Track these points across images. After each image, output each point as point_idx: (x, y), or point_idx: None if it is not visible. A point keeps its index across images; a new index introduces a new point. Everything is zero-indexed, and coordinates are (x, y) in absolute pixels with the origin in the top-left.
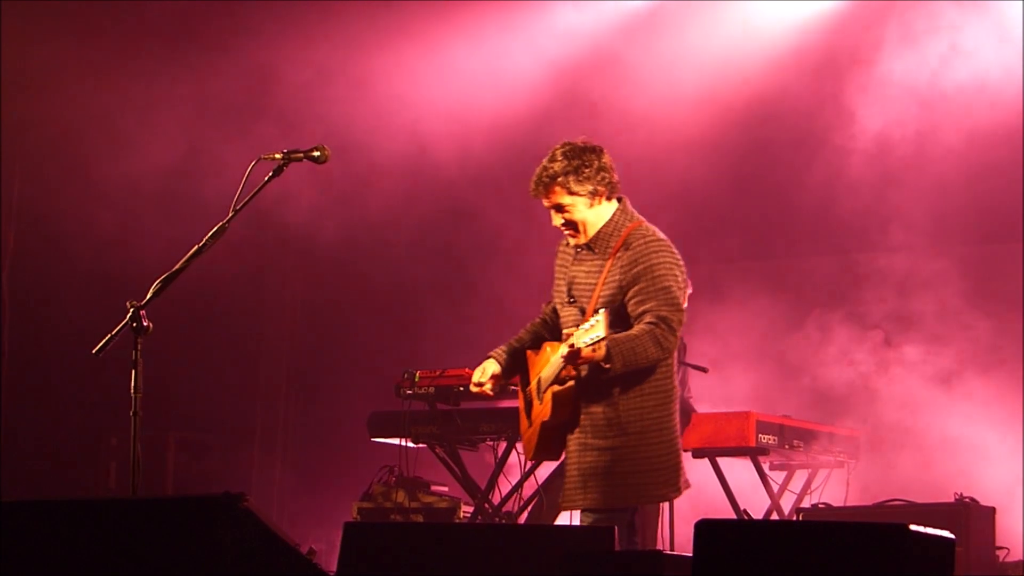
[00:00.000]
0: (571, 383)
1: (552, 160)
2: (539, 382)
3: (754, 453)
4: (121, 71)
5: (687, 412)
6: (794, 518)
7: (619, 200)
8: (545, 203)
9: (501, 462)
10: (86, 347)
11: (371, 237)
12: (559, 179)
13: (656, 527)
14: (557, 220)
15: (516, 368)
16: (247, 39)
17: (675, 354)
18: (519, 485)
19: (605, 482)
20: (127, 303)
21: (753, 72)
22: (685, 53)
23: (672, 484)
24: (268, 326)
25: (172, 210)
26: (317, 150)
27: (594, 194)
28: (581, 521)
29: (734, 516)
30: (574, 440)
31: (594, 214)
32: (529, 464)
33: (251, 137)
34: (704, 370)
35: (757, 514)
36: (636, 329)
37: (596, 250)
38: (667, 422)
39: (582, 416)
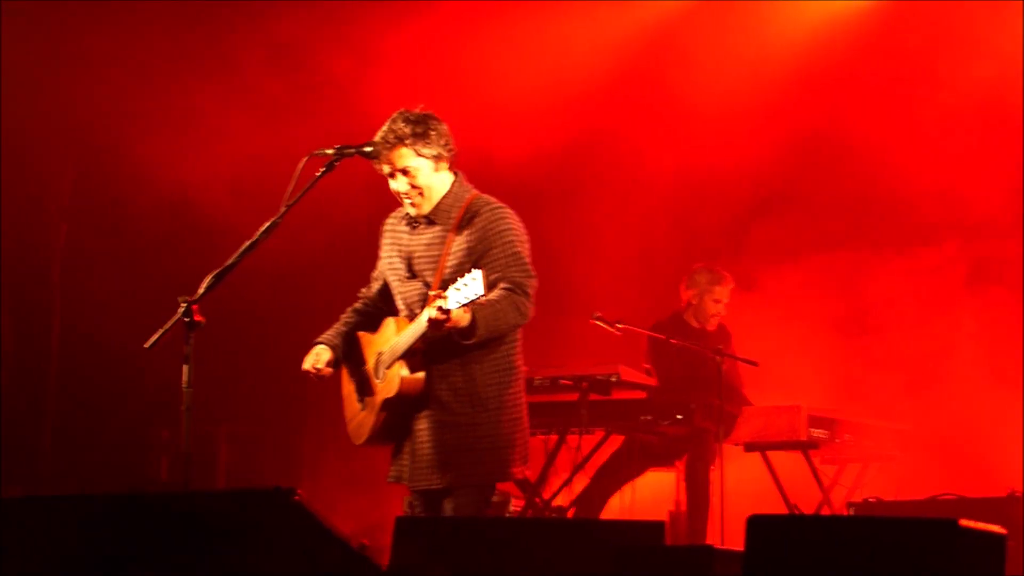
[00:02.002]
0: (418, 357)
1: (395, 123)
2: (379, 358)
3: (805, 447)
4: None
5: (741, 405)
6: (845, 513)
7: (455, 173)
8: (386, 168)
9: (552, 456)
10: (138, 341)
11: None
12: (407, 140)
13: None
14: (401, 185)
15: (350, 352)
16: (299, 31)
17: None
18: (570, 479)
19: (468, 458)
20: (179, 298)
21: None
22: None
23: (524, 459)
24: (320, 319)
25: (225, 204)
26: (369, 145)
27: (438, 158)
28: (444, 503)
29: (785, 511)
30: (426, 418)
31: (438, 180)
32: (580, 458)
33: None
34: (754, 364)
35: (808, 509)
36: (495, 294)
37: (438, 221)
38: (520, 397)
39: (437, 392)
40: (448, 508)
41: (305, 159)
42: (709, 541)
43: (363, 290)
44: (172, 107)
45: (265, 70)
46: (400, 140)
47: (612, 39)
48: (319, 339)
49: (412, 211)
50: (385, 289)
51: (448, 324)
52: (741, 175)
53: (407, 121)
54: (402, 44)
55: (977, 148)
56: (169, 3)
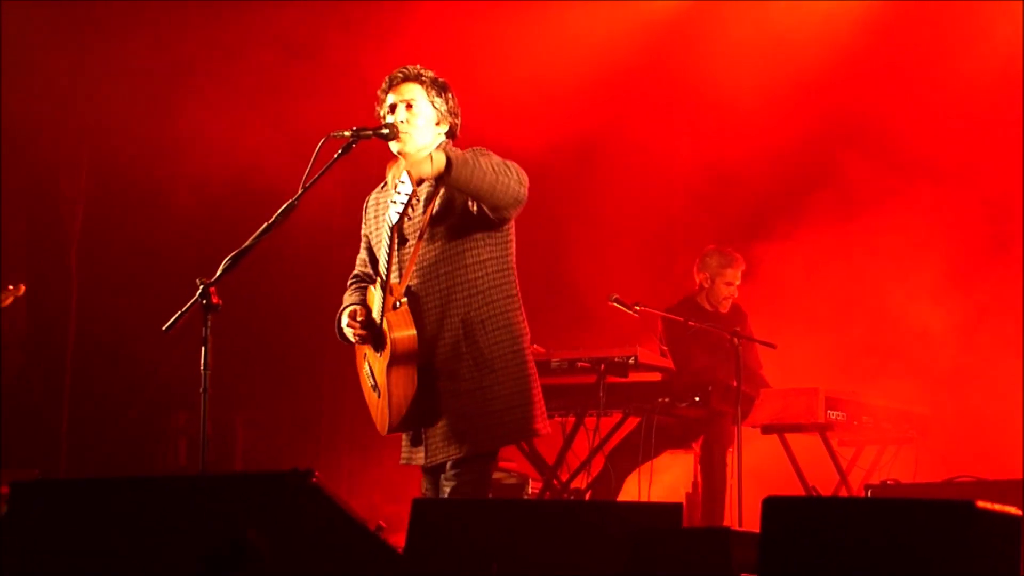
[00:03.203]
0: (404, 304)
1: (420, 67)
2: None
3: (822, 429)
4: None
5: (759, 387)
6: (863, 495)
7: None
8: (391, 98)
9: (569, 438)
10: (156, 323)
11: None
12: (425, 81)
13: None
14: (399, 114)
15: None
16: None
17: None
18: (587, 461)
19: (485, 422)
20: (197, 280)
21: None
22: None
23: (543, 417)
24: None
25: (244, 186)
26: (386, 127)
27: (443, 117)
28: (443, 476)
29: (803, 493)
30: (436, 392)
31: (432, 132)
32: (598, 440)
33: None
34: (772, 346)
35: (826, 491)
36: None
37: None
38: (527, 355)
39: (442, 363)
40: (452, 477)
41: (322, 141)
42: (726, 523)
43: (353, 275)
44: (186, 87)
45: (278, 56)
46: (418, 77)
47: (631, 25)
48: (345, 305)
49: (394, 146)
50: (372, 262)
51: (410, 164)
52: (759, 158)
53: (431, 73)
54: (419, 30)
55: (998, 124)
56: None
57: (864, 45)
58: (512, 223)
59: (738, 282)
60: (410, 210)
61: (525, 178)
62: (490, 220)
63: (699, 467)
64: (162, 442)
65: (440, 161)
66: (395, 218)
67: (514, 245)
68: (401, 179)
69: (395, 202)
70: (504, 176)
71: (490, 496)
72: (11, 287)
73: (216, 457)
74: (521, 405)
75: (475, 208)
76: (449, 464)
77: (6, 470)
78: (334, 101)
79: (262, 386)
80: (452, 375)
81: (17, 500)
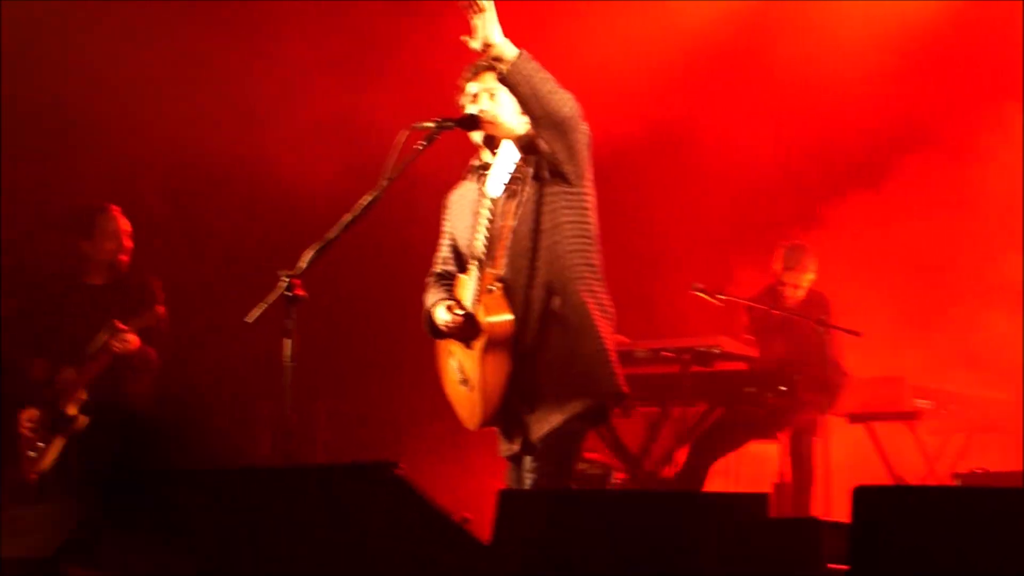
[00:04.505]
0: (499, 287)
1: None
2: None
3: (909, 418)
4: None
5: (841, 376)
6: (951, 483)
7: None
8: (473, 87)
9: (654, 428)
10: (239, 316)
11: None
12: None
13: None
14: (482, 103)
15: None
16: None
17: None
18: (672, 452)
19: (575, 384)
20: (280, 272)
21: None
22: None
23: (623, 381)
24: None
25: (324, 179)
26: (469, 117)
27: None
28: (525, 465)
29: (890, 482)
30: (528, 370)
31: (513, 122)
32: (683, 430)
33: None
34: (857, 334)
35: (913, 480)
36: None
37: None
38: (606, 322)
39: (530, 337)
40: (533, 467)
41: (405, 132)
42: (813, 513)
43: (432, 272)
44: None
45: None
46: (498, 64)
47: (710, 14)
48: (435, 300)
49: (476, 136)
50: (456, 260)
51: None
52: (837, 146)
53: None
54: (505, 18)
55: None
56: None
57: (936, 38)
58: (590, 187)
59: (814, 274)
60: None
61: (579, 107)
62: (566, 175)
63: (786, 457)
64: (246, 432)
65: (510, 46)
66: (495, 190)
67: (594, 215)
68: (498, 158)
69: (495, 174)
70: (561, 91)
71: (573, 485)
72: (157, 307)
73: (299, 447)
74: (606, 363)
75: (550, 168)
76: (531, 453)
77: None
78: (395, 82)
79: (345, 377)
80: (541, 346)
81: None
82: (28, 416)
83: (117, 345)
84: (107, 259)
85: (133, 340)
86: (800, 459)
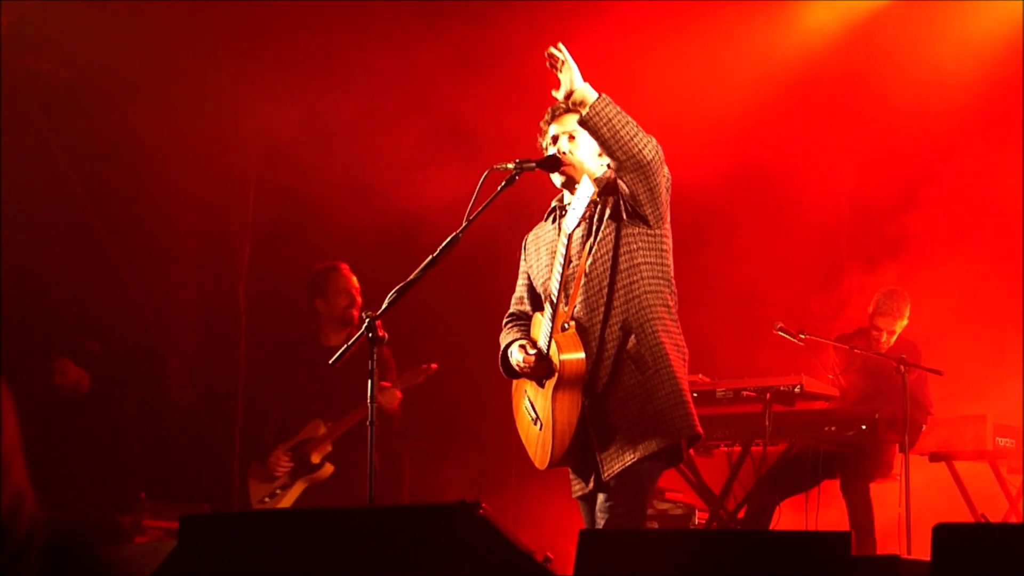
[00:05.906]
0: (572, 326)
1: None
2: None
3: (991, 457)
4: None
5: (925, 415)
6: None
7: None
8: (554, 129)
9: (736, 467)
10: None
11: None
12: None
13: None
14: (560, 146)
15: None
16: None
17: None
18: (754, 491)
19: (648, 423)
20: (363, 313)
21: None
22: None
23: (698, 421)
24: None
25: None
26: (549, 159)
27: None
28: (599, 504)
29: (972, 521)
30: (601, 407)
31: (593, 164)
32: (765, 470)
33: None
34: (938, 373)
35: (995, 519)
36: None
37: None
38: (682, 362)
39: (604, 375)
40: (606, 507)
41: (486, 173)
42: (895, 551)
43: (509, 314)
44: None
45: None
46: (579, 107)
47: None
48: (510, 340)
49: (556, 178)
50: (532, 300)
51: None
52: (918, 184)
53: None
54: (584, 58)
55: None
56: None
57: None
58: (667, 230)
59: (905, 321)
60: (582, 224)
61: (660, 150)
62: (645, 218)
63: (844, 498)
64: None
65: (591, 90)
66: (572, 224)
67: (670, 257)
68: (576, 194)
69: (574, 209)
70: (643, 134)
71: (655, 525)
72: (424, 366)
73: (384, 490)
74: (681, 403)
75: (629, 210)
76: (604, 491)
77: (176, 504)
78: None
79: (429, 417)
80: (615, 385)
81: (187, 533)
82: (279, 460)
83: (385, 401)
84: (339, 316)
85: (398, 397)
86: (856, 506)
